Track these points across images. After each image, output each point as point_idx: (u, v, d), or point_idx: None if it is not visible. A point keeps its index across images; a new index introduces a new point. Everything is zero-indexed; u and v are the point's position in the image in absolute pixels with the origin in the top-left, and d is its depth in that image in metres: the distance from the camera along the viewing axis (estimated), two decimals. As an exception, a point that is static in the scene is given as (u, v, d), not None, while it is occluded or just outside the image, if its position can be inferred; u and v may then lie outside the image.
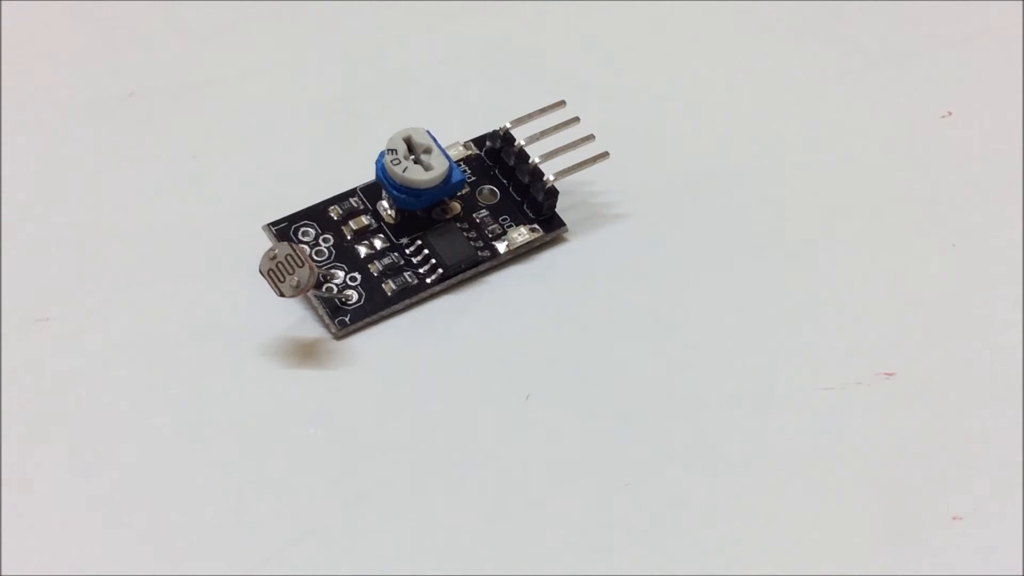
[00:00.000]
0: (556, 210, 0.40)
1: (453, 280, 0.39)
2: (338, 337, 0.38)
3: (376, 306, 0.39)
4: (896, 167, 0.42)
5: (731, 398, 0.38)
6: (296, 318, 0.39)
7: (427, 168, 0.39)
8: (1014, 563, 0.35)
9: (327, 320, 0.38)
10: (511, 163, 0.40)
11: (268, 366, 0.37)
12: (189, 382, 0.37)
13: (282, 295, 0.37)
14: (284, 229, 0.39)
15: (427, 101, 0.43)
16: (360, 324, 0.38)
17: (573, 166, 0.40)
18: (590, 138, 0.40)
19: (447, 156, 0.39)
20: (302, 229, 0.40)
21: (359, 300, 0.39)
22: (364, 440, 0.37)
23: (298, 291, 0.37)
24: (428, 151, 0.39)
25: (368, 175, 0.40)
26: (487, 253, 0.40)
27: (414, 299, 0.39)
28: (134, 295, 0.38)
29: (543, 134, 0.40)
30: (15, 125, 0.42)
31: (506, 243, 0.40)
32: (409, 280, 0.39)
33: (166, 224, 0.40)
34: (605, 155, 0.40)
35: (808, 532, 0.36)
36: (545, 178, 0.39)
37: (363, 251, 0.39)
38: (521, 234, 0.40)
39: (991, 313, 0.39)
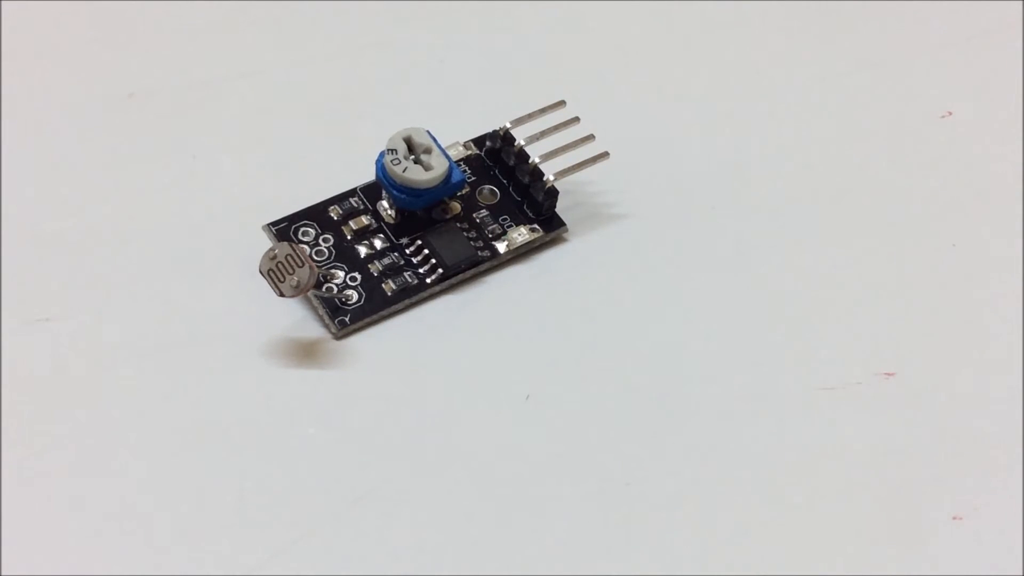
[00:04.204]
0: (556, 210, 0.40)
1: (453, 280, 0.39)
2: (338, 337, 0.38)
3: (376, 306, 0.39)
4: (896, 167, 0.43)
5: (731, 398, 0.38)
6: (296, 318, 0.39)
7: (427, 168, 0.39)
8: (1014, 563, 0.35)
9: (327, 320, 0.38)
10: (511, 163, 0.40)
11: (268, 366, 0.37)
12: (189, 382, 0.37)
13: (282, 295, 0.37)
14: (284, 229, 0.39)
15: (427, 101, 0.43)
16: (360, 324, 0.38)
17: (573, 166, 0.40)
18: (590, 138, 0.40)
19: (447, 156, 0.39)
20: (302, 229, 0.40)
21: (359, 300, 0.39)
22: (364, 440, 0.37)
23: (298, 291, 0.37)
24: (428, 151, 0.39)
25: (368, 175, 0.40)
26: (487, 253, 0.40)
27: (414, 299, 0.39)
28: (134, 295, 0.38)
29: (543, 134, 0.40)
30: (15, 125, 0.42)
31: (506, 243, 0.40)
32: (409, 280, 0.39)
33: (166, 224, 0.40)
34: (605, 155, 0.40)
35: (808, 532, 0.36)
36: (545, 178, 0.39)
37: (363, 251, 0.39)
38: (521, 234, 0.40)
39: (991, 313, 0.39)
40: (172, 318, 0.38)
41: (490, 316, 0.39)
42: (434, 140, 0.39)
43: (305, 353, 0.38)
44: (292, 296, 0.37)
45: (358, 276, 0.39)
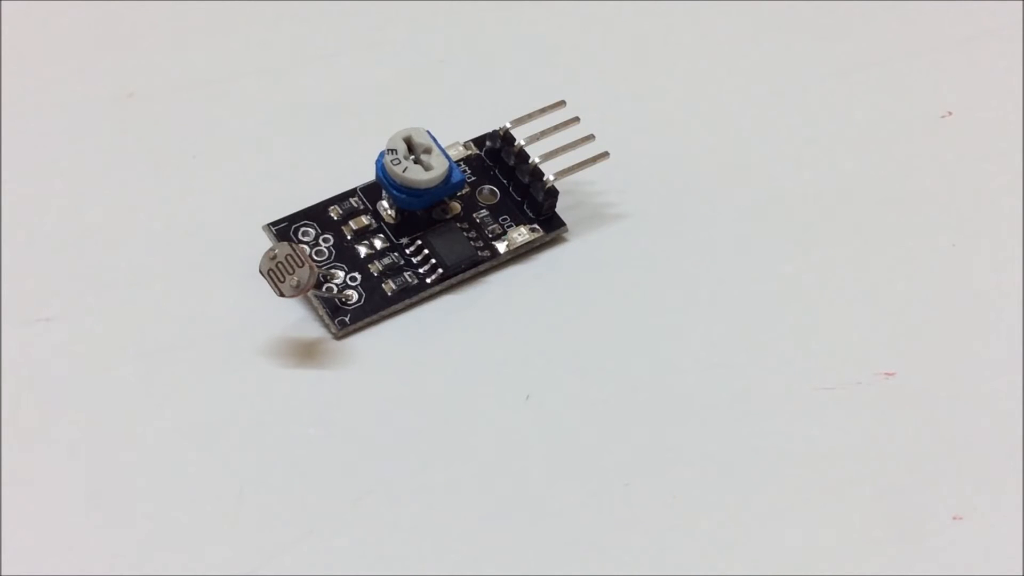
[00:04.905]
0: (556, 210, 0.40)
1: (453, 280, 0.39)
2: (338, 337, 0.38)
3: (376, 306, 0.39)
4: (896, 167, 0.43)
5: (731, 398, 0.38)
6: (296, 318, 0.39)
7: (427, 168, 0.39)
8: (1014, 563, 0.35)
9: (327, 320, 0.38)
10: (511, 163, 0.40)
11: (268, 366, 0.37)
12: (189, 382, 0.37)
13: (282, 295, 0.37)
14: (284, 229, 0.39)
15: (427, 101, 0.43)
16: (360, 324, 0.38)
17: (573, 166, 0.40)
18: (590, 138, 0.40)
19: (447, 156, 0.39)
20: (302, 229, 0.40)
21: (359, 300, 0.39)
22: (364, 440, 0.37)
23: (298, 291, 0.37)
24: (428, 151, 0.39)
25: (368, 175, 0.40)
26: (487, 253, 0.40)
27: (414, 299, 0.39)
28: (134, 295, 0.38)
29: (543, 134, 0.40)
30: (15, 125, 0.42)
31: (506, 243, 0.40)
32: (409, 280, 0.39)
33: (166, 224, 0.40)
34: (605, 155, 0.40)
35: (808, 532, 0.36)
36: (545, 178, 0.39)
37: (363, 251, 0.39)
38: (521, 234, 0.40)
39: (991, 313, 0.39)
40: (172, 318, 0.38)
41: (490, 316, 0.39)
42: (434, 140, 0.39)
43: (305, 353, 0.38)
44: (292, 296, 0.37)
45: (358, 276, 0.39)
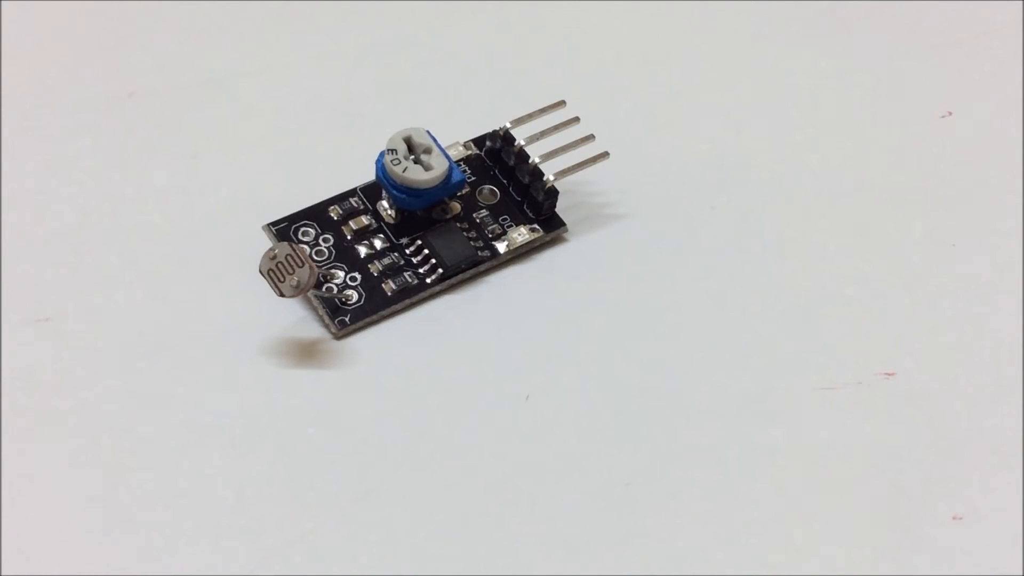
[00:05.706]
0: (556, 210, 0.40)
1: (453, 280, 0.39)
2: (338, 337, 0.38)
3: (376, 306, 0.39)
4: (896, 167, 0.42)
5: (731, 398, 0.38)
6: (296, 318, 0.39)
7: (427, 168, 0.39)
8: (1014, 563, 0.35)
9: (327, 320, 0.38)
10: (511, 163, 0.40)
11: (268, 366, 0.37)
12: (189, 382, 0.37)
13: (282, 295, 0.37)
14: (284, 229, 0.39)
15: (427, 101, 0.43)
16: (360, 324, 0.38)
17: (573, 166, 0.40)
18: (590, 138, 0.40)
19: (447, 156, 0.39)
20: (302, 229, 0.40)
21: (359, 300, 0.39)
22: (364, 440, 0.37)
23: (298, 291, 0.37)
24: (428, 151, 0.39)
25: (368, 175, 0.40)
26: (487, 253, 0.40)
27: (414, 299, 0.39)
28: (134, 295, 0.38)
29: (543, 134, 0.40)
30: (15, 125, 0.42)
31: (506, 243, 0.40)
32: (409, 280, 0.39)
33: (166, 224, 0.40)
34: (605, 155, 0.40)
35: (808, 532, 0.36)
36: (545, 178, 0.39)
37: (363, 251, 0.39)
38: (521, 234, 0.40)
39: (991, 313, 0.39)
40: (172, 318, 0.38)
41: (490, 316, 0.39)
42: (434, 140, 0.39)
43: (305, 353, 0.38)
44: (292, 296, 0.37)
45: (358, 276, 0.39)
